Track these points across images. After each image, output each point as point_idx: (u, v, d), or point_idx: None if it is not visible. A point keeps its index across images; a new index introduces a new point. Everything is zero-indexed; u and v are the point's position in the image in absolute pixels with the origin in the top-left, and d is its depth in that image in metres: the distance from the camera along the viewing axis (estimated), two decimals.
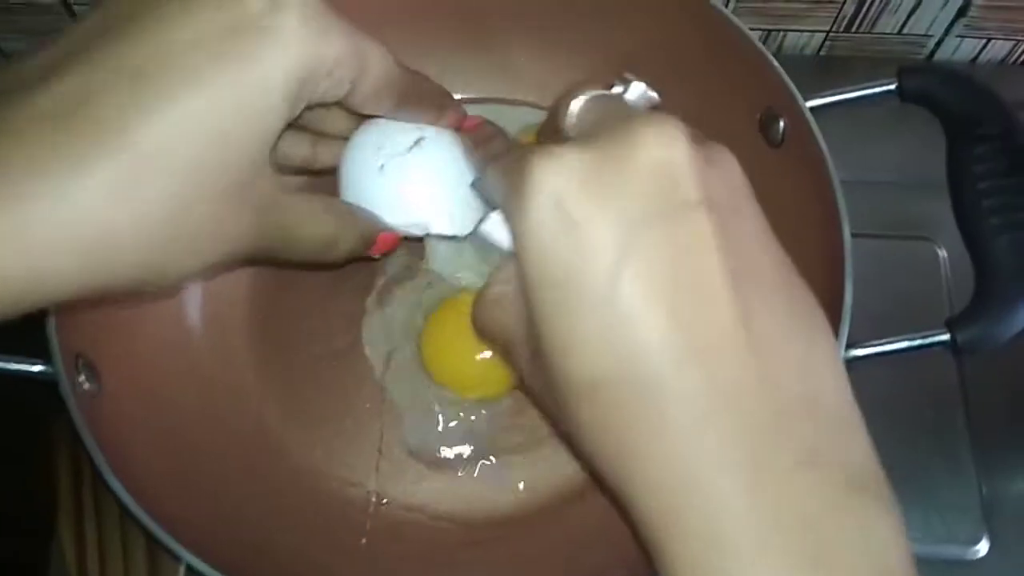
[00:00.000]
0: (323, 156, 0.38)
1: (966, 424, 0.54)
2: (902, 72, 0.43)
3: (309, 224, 0.32)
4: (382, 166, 0.35)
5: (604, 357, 0.23)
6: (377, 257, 0.37)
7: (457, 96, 0.38)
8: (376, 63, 0.30)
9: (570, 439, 0.25)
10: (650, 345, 0.22)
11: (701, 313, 0.22)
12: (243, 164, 0.27)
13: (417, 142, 0.35)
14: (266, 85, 0.26)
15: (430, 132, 0.36)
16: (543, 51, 0.52)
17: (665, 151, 0.23)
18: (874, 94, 0.43)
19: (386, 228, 0.36)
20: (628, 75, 0.29)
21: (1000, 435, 0.54)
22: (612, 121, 0.25)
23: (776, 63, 0.43)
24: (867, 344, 0.40)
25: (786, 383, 0.23)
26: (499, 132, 0.35)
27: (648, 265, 0.23)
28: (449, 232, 0.36)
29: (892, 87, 0.43)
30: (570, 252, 0.23)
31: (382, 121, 0.36)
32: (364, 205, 0.36)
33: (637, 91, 0.28)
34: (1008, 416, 0.54)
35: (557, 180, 0.23)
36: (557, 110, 0.29)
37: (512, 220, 0.25)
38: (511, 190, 0.25)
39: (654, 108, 0.28)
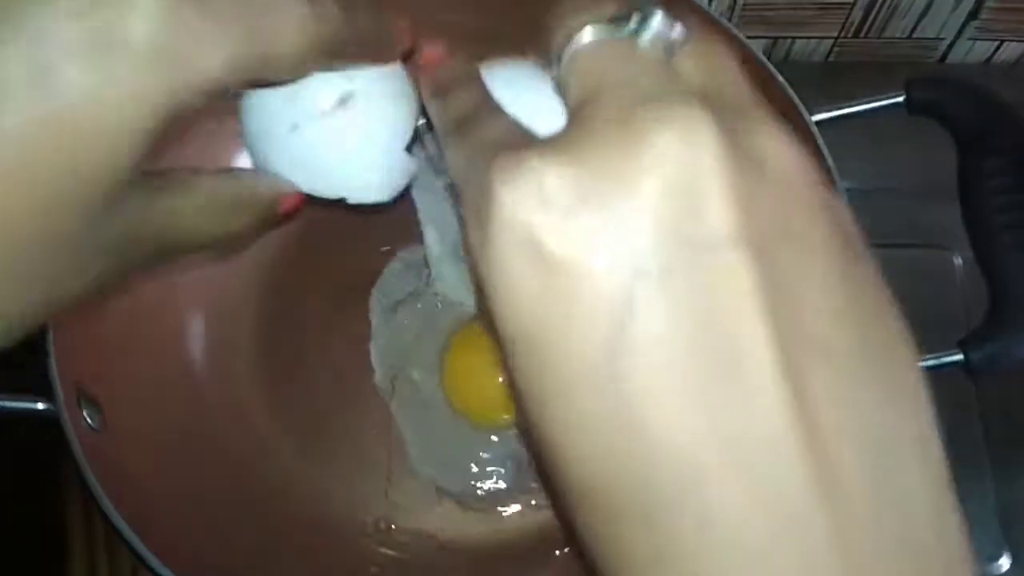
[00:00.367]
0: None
1: (983, 436, 0.53)
2: (910, 84, 0.42)
3: (188, 242, 0.25)
4: (295, 125, 0.27)
5: (602, 459, 0.17)
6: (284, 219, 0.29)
7: None
8: (285, 41, 0.22)
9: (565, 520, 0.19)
10: (664, 451, 0.16)
11: (736, 404, 0.16)
12: (72, 227, 0.20)
13: (343, 99, 0.27)
14: (105, 140, 0.20)
15: (361, 83, 0.27)
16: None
17: (685, 160, 0.16)
18: (881, 107, 0.43)
19: (291, 192, 0.28)
20: None
21: (1018, 447, 0.53)
22: (615, 98, 0.18)
23: (781, 78, 0.42)
24: None
25: (862, 506, 0.16)
26: (464, 75, 0.25)
27: (660, 333, 0.16)
28: (372, 201, 0.30)
29: (900, 99, 0.42)
30: (549, 310, 0.17)
31: None
32: (269, 166, 0.29)
33: (654, 28, 0.19)
34: None
35: (529, 208, 0.17)
36: (551, 33, 0.20)
37: (473, 252, 0.18)
38: (470, 207, 0.18)
39: (682, 44, 0.20)
